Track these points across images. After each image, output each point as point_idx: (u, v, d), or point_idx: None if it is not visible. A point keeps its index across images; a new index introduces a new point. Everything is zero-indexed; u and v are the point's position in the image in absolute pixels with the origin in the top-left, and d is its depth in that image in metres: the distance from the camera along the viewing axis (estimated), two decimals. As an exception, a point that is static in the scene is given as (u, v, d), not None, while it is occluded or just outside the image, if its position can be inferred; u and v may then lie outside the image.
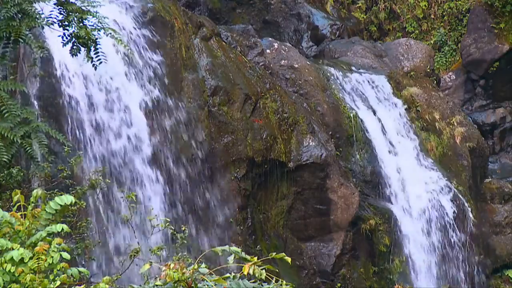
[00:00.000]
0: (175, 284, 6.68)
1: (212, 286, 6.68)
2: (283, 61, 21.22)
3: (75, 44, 11.36)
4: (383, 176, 21.00)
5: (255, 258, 6.82)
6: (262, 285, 6.96)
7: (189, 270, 6.74)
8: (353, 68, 23.00)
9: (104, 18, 11.47)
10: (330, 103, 21.05)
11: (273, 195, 19.15)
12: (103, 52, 11.47)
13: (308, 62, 21.73)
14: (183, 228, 12.98)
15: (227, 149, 17.99)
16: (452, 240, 20.94)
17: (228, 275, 6.80)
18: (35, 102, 15.79)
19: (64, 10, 11.20)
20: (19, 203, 7.73)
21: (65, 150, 13.13)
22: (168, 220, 12.79)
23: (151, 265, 7.09)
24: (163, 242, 14.79)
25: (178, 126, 17.27)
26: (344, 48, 24.08)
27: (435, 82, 24.80)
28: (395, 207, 20.78)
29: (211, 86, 18.04)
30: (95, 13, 11.33)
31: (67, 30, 11.26)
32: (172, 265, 6.73)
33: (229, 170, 18.01)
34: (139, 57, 17.06)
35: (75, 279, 7.33)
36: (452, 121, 22.78)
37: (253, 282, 6.86)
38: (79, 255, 12.78)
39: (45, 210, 7.62)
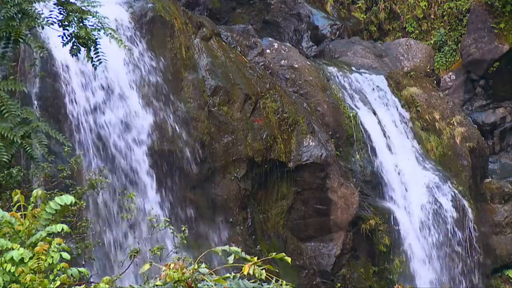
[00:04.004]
0: (175, 284, 6.67)
1: (212, 286, 6.67)
2: (283, 61, 21.21)
3: (75, 44, 11.34)
4: (383, 176, 20.99)
5: (255, 258, 6.82)
6: (262, 285, 6.95)
7: (189, 270, 6.74)
8: (353, 68, 22.99)
9: (104, 18, 11.46)
10: (330, 103, 21.04)
11: (273, 195, 19.14)
12: (103, 52, 11.46)
13: (308, 62, 21.71)
14: (183, 228, 12.97)
15: (227, 149, 17.98)
16: (452, 240, 20.94)
17: (228, 275, 6.80)
18: (35, 102, 15.78)
19: (64, 10, 11.19)
20: (19, 203, 7.73)
21: (65, 150, 13.13)
22: (168, 220, 12.79)
23: (151, 265, 7.08)
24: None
25: (178, 126, 17.26)
26: (344, 48, 24.05)
27: (435, 82, 24.78)
28: (395, 207, 20.77)
29: (211, 86, 18.03)
30: (95, 13, 11.32)
31: (67, 30, 11.25)
32: (172, 265, 6.72)
33: (229, 170, 18.01)
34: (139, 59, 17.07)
35: (75, 279, 7.33)
36: (452, 121, 22.77)
37: (253, 282, 6.85)
38: (79, 255, 12.77)
39: (45, 210, 7.62)
